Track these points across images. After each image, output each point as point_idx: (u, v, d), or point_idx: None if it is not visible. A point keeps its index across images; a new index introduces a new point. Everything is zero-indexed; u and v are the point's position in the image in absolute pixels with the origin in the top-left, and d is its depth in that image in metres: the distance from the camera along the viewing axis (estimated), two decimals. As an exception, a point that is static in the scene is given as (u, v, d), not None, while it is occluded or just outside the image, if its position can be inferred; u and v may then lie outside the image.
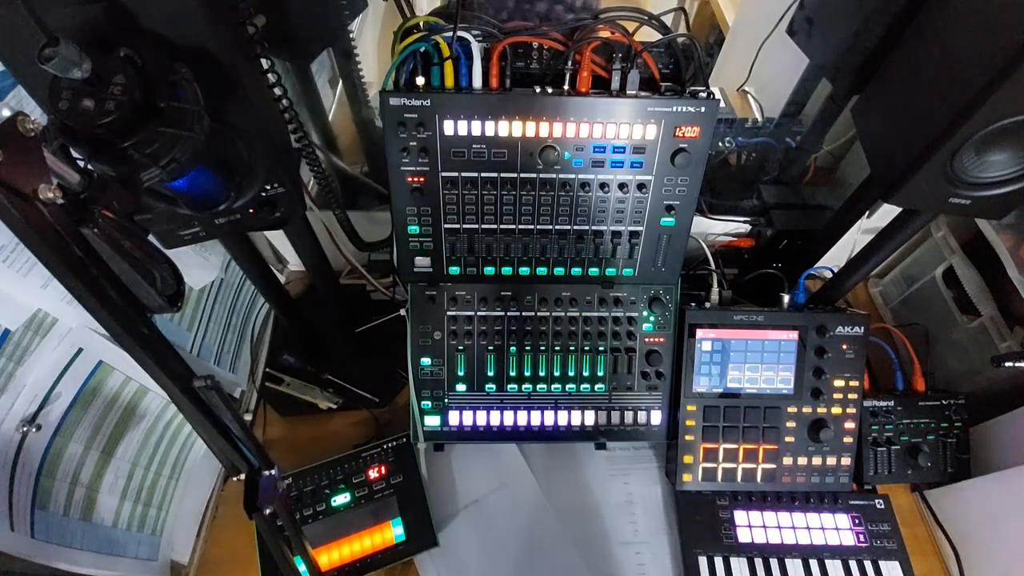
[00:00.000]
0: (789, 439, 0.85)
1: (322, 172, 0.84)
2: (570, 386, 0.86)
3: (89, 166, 0.44)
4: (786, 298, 0.87)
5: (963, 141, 0.57)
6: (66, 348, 0.63)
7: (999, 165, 0.60)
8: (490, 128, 0.69)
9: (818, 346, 0.84)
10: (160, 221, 0.63)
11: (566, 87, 0.68)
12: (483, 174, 0.73)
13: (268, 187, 0.66)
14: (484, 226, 0.78)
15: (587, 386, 0.86)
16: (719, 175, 1.04)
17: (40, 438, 0.61)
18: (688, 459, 0.85)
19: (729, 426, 0.85)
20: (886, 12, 0.68)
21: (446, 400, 0.86)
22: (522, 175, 0.73)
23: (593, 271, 0.83)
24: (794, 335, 0.84)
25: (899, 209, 0.75)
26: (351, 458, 0.88)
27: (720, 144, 1.00)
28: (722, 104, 0.80)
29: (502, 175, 0.73)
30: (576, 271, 0.83)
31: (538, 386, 0.86)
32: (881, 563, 0.82)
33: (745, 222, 1.01)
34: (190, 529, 0.86)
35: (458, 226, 0.78)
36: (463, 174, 0.73)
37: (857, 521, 0.85)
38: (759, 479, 0.86)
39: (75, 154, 0.44)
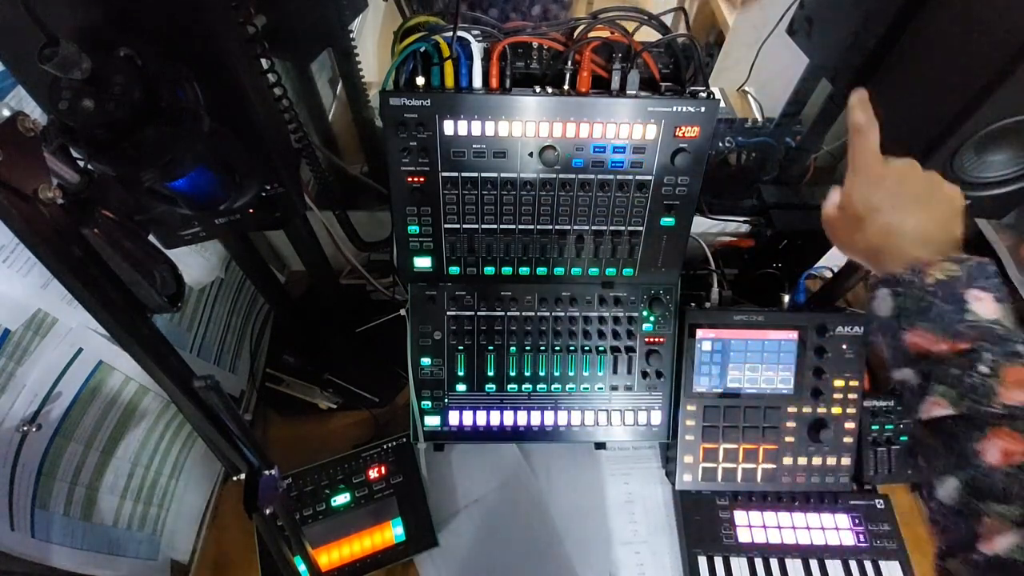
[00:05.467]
0: (789, 439, 0.85)
1: (322, 172, 0.85)
2: (570, 386, 0.86)
3: (89, 166, 0.44)
4: (786, 298, 0.87)
5: (963, 141, 0.57)
6: (66, 348, 0.63)
7: (999, 165, 0.60)
8: (490, 128, 0.69)
9: (818, 346, 0.84)
10: (160, 221, 0.63)
11: (566, 87, 0.68)
12: (483, 174, 0.73)
13: (268, 187, 0.66)
14: (484, 226, 0.78)
15: (587, 386, 0.86)
16: (719, 175, 1.04)
17: (40, 438, 0.61)
18: (688, 459, 0.85)
19: (729, 426, 0.85)
20: (886, 12, 0.68)
21: (446, 400, 0.86)
22: (522, 175, 0.73)
23: (593, 271, 0.83)
24: (794, 335, 0.84)
25: (899, 209, 0.75)
26: (351, 458, 0.88)
27: (720, 144, 1.00)
28: (722, 104, 0.80)
29: (502, 175, 0.73)
30: (576, 271, 0.83)
31: (538, 386, 0.86)
32: (881, 563, 0.82)
33: (745, 222, 1.01)
34: (190, 528, 0.86)
35: (458, 226, 0.78)
36: (463, 174, 0.73)
37: (857, 521, 0.85)
38: (759, 479, 0.86)
39: (75, 154, 0.44)
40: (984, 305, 0.43)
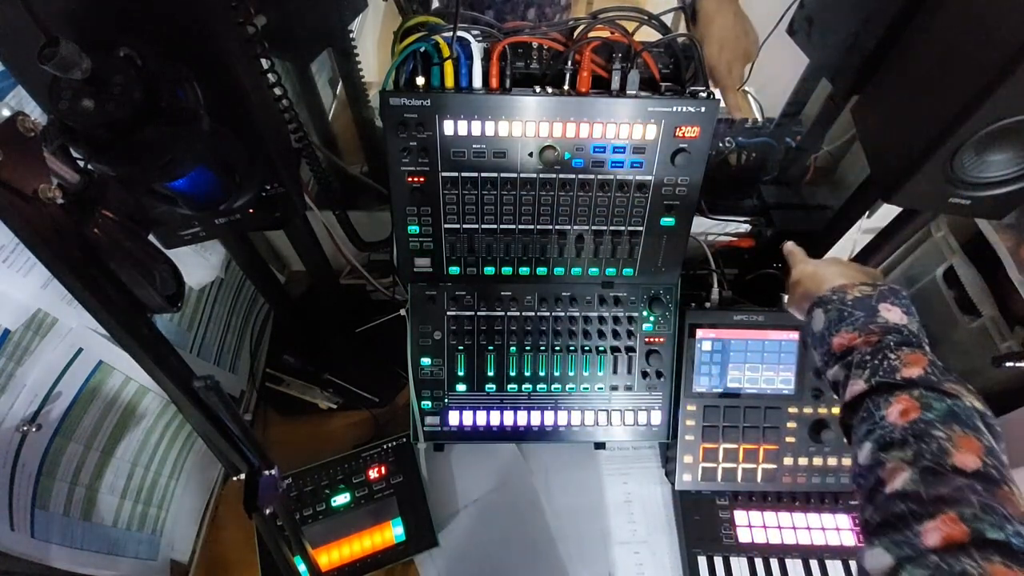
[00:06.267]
0: (790, 439, 0.85)
1: (322, 172, 0.85)
2: (570, 386, 0.86)
3: (89, 166, 0.44)
4: (786, 298, 0.86)
5: (963, 141, 0.57)
6: (66, 348, 0.63)
7: (999, 165, 0.60)
8: (490, 128, 0.69)
9: (818, 346, 0.84)
10: (160, 221, 0.63)
11: (566, 87, 0.68)
12: (483, 174, 0.73)
13: (268, 187, 0.66)
14: (484, 226, 0.78)
15: (587, 386, 0.86)
16: (719, 175, 1.04)
17: (40, 438, 0.61)
18: (688, 459, 0.85)
19: (729, 426, 0.85)
20: (886, 12, 0.68)
21: (446, 400, 0.86)
22: (522, 175, 0.73)
23: (593, 271, 0.83)
24: (794, 335, 0.84)
25: (899, 209, 0.75)
26: (351, 458, 0.88)
27: (720, 144, 1.00)
28: (722, 104, 0.80)
29: (502, 175, 0.73)
30: (576, 271, 0.83)
31: (538, 386, 0.86)
32: (881, 563, 0.82)
33: (745, 222, 1.01)
34: (190, 528, 0.86)
35: (458, 226, 0.77)
36: (463, 174, 0.73)
37: (857, 521, 0.85)
38: (759, 479, 0.86)
39: (75, 154, 0.44)
40: (893, 314, 0.56)
